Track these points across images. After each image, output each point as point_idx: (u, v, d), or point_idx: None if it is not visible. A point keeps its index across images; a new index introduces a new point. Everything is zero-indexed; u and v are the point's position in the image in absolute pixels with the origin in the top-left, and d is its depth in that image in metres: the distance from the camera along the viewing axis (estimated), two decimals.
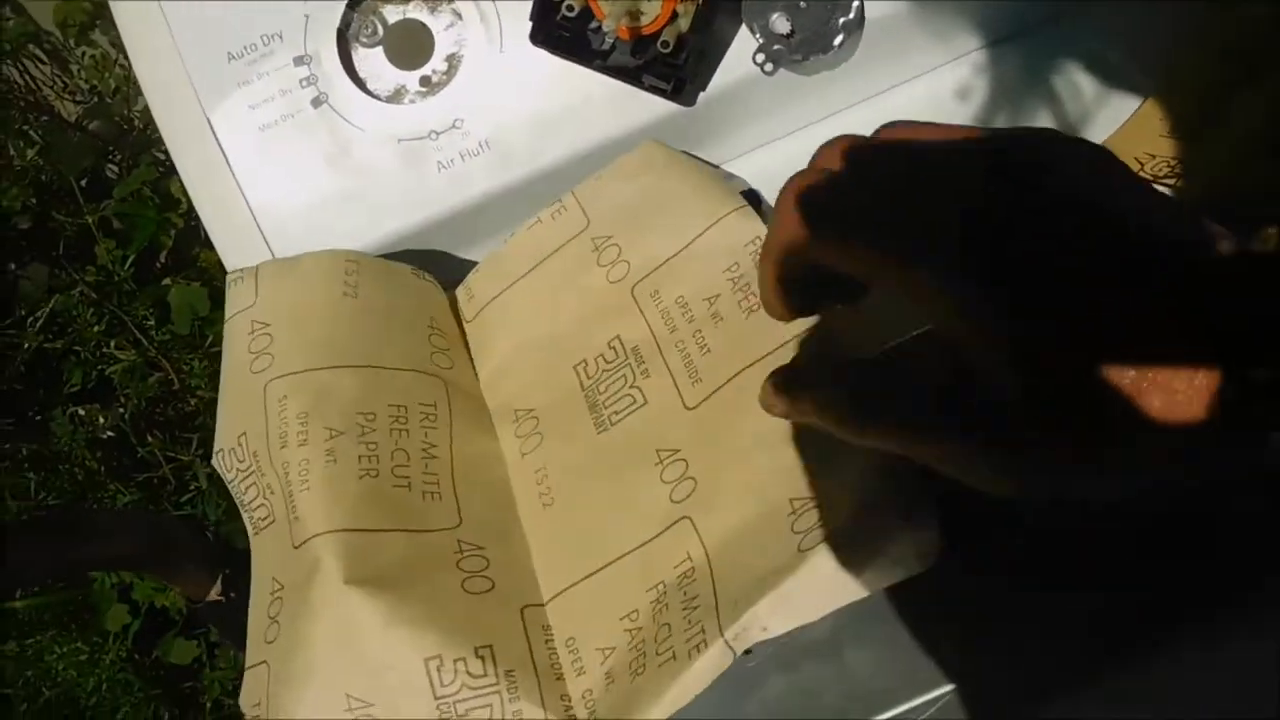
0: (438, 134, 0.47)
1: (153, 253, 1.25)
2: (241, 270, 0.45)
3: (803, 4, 0.45)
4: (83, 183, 1.29)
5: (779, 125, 0.51)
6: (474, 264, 0.52)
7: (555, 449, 0.42)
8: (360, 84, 0.48)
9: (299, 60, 0.48)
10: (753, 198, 0.49)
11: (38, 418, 1.26)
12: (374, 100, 0.48)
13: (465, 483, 0.40)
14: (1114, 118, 0.47)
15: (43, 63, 1.40)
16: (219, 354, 1.31)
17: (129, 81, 1.26)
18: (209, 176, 0.48)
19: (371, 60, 0.48)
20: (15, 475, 1.22)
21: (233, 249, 0.49)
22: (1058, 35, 0.49)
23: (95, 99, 1.32)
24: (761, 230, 0.41)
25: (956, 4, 0.47)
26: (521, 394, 0.44)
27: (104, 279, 1.25)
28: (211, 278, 1.21)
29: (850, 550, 0.32)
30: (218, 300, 1.19)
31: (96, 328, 1.26)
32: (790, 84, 0.47)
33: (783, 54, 0.46)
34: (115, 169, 1.37)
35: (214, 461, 0.41)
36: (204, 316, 1.18)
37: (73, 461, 1.22)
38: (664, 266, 0.42)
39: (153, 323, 1.25)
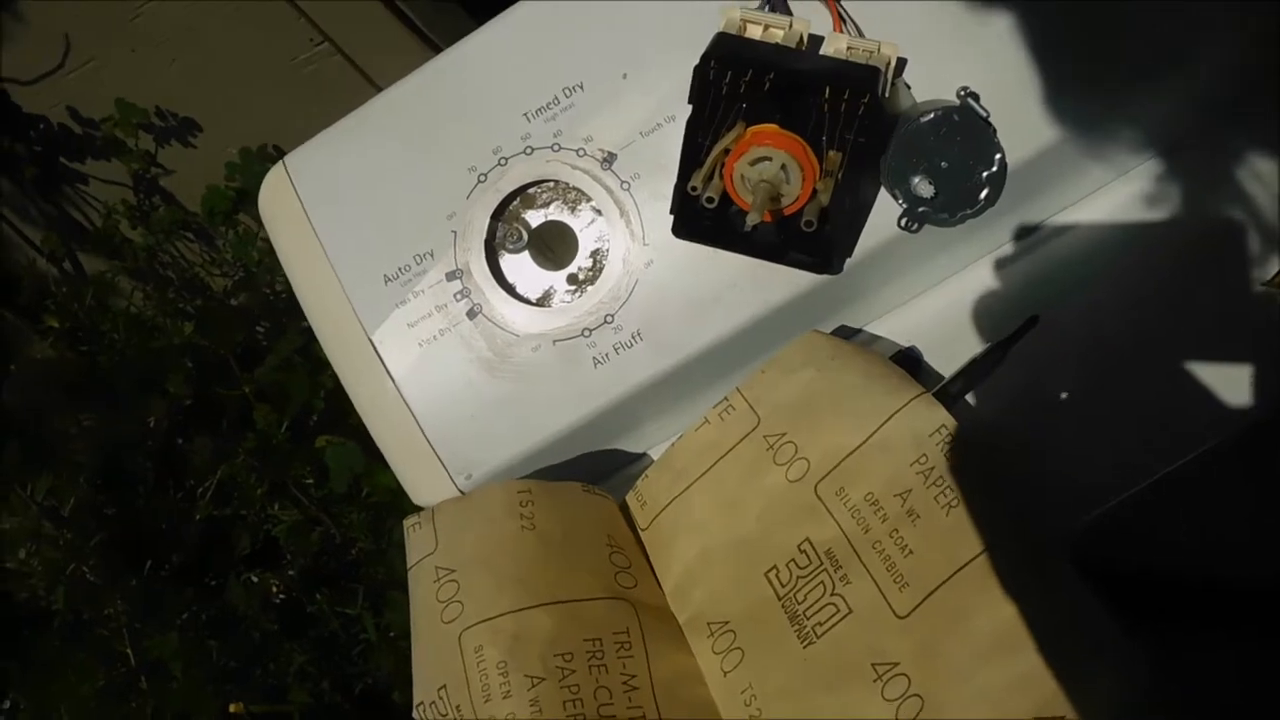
0: (590, 331, 0.48)
1: (306, 413, 1.31)
2: (418, 516, 0.46)
3: (944, 164, 0.44)
4: (236, 352, 1.36)
5: (928, 276, 0.50)
6: (638, 455, 0.52)
7: (760, 666, 0.41)
8: (510, 290, 0.49)
9: (451, 275, 0.49)
10: (912, 356, 0.48)
11: (213, 583, 1.32)
12: (525, 305, 0.49)
13: (670, 711, 0.40)
14: None
15: (191, 242, 1.50)
16: (377, 504, 1.33)
17: (271, 254, 1.33)
18: (377, 396, 0.50)
19: (519, 265, 0.50)
20: (197, 642, 1.27)
21: (405, 463, 0.51)
22: (1235, 136, 0.47)
23: (242, 273, 1.39)
24: (945, 418, 0.40)
25: (1103, 130, 0.46)
26: (713, 605, 0.43)
27: (262, 444, 1.30)
28: (364, 433, 1.25)
29: None
30: (372, 454, 1.22)
31: (260, 490, 1.32)
32: (936, 236, 0.46)
33: (928, 214, 0.45)
34: (263, 334, 1.44)
35: (415, 714, 0.41)
36: (359, 473, 1.22)
37: (249, 624, 1.26)
38: (846, 462, 0.41)
39: (311, 481, 1.30)
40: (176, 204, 1.41)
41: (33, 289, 1.52)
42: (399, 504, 1.26)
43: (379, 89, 0.51)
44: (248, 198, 1.29)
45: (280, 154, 1.34)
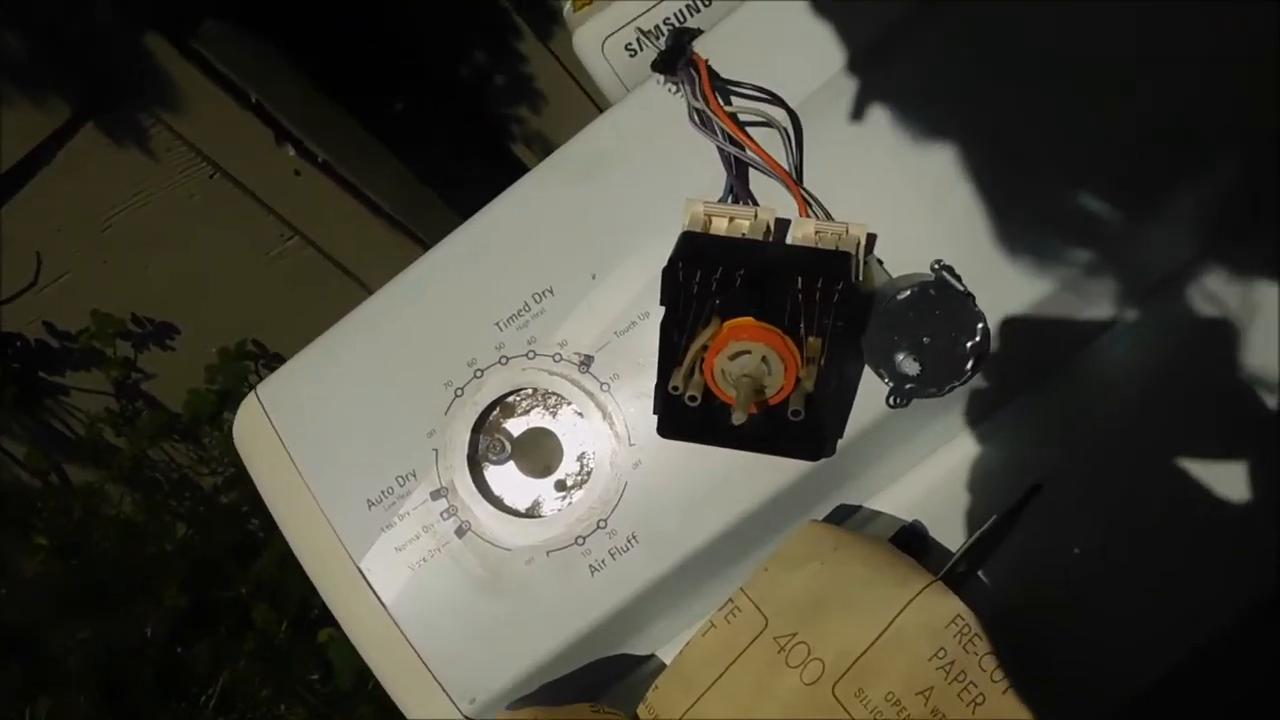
0: (584, 538, 0.47)
1: (306, 608, 1.27)
2: None
3: (925, 339, 0.44)
4: (231, 551, 1.33)
5: (922, 447, 0.48)
6: (646, 657, 0.50)
7: None
8: (498, 503, 0.48)
9: (436, 494, 0.48)
10: (917, 531, 0.47)
11: None
12: (515, 517, 0.47)
13: None
14: None
15: (178, 442, 1.49)
16: (383, 697, 1.29)
17: None
18: (371, 626, 0.48)
19: (504, 477, 0.48)
20: None
21: (406, 693, 0.48)
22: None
23: (231, 469, 1.38)
24: (959, 607, 0.38)
25: (1082, 285, 0.45)
26: None
27: (264, 644, 1.27)
28: None
29: None
30: None
31: (264, 692, 1.27)
32: (927, 408, 0.45)
33: (915, 390, 0.44)
34: (257, 527, 1.42)
35: None
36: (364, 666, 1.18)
37: None
38: (861, 660, 0.39)
39: (316, 677, 1.26)
40: (160, 407, 1.41)
41: (19, 503, 1.51)
42: None
43: (352, 275, 0.50)
44: (230, 397, 1.29)
45: (259, 349, 1.34)
